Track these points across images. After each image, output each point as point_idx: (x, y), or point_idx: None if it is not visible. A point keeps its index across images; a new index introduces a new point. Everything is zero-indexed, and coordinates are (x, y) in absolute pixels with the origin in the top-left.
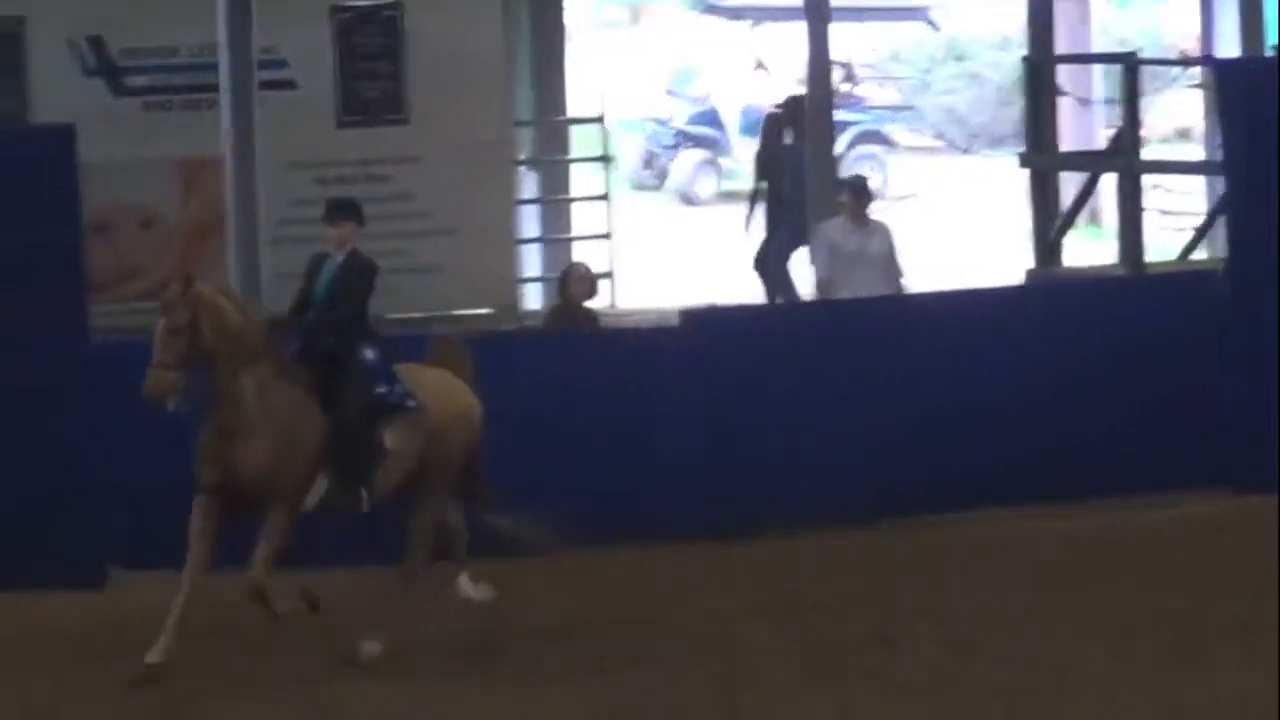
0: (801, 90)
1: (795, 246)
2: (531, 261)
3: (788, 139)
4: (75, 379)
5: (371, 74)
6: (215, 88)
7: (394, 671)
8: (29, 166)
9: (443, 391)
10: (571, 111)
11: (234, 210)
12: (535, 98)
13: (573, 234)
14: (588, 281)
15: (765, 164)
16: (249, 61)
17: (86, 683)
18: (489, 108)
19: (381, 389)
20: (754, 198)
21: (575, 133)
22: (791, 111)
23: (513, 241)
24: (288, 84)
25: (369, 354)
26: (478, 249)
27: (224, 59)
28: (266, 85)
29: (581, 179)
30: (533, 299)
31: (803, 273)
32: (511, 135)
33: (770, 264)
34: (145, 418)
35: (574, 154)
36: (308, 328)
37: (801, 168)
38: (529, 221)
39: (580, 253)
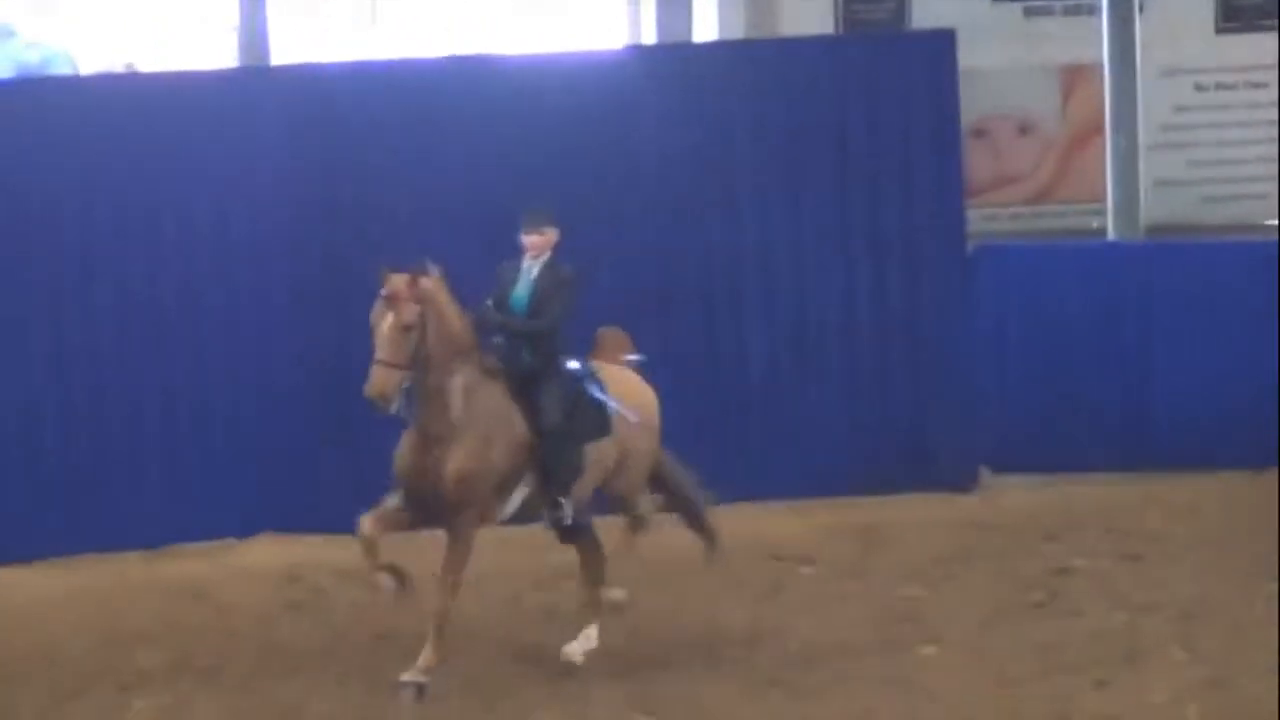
0: None
1: None
2: None
3: None
4: (953, 284)
5: None
6: None
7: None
8: (909, 72)
9: (630, 395)
10: None
11: (1112, 117)
12: None
13: None
14: None
15: None
16: None
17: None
18: None
19: (593, 401)
20: None
21: None
22: None
23: None
24: None
25: (573, 364)
26: None
27: None
28: None
29: None
30: None
31: None
32: None
33: None
34: (1017, 323)
35: None
36: (509, 337)
37: None
38: None
39: None
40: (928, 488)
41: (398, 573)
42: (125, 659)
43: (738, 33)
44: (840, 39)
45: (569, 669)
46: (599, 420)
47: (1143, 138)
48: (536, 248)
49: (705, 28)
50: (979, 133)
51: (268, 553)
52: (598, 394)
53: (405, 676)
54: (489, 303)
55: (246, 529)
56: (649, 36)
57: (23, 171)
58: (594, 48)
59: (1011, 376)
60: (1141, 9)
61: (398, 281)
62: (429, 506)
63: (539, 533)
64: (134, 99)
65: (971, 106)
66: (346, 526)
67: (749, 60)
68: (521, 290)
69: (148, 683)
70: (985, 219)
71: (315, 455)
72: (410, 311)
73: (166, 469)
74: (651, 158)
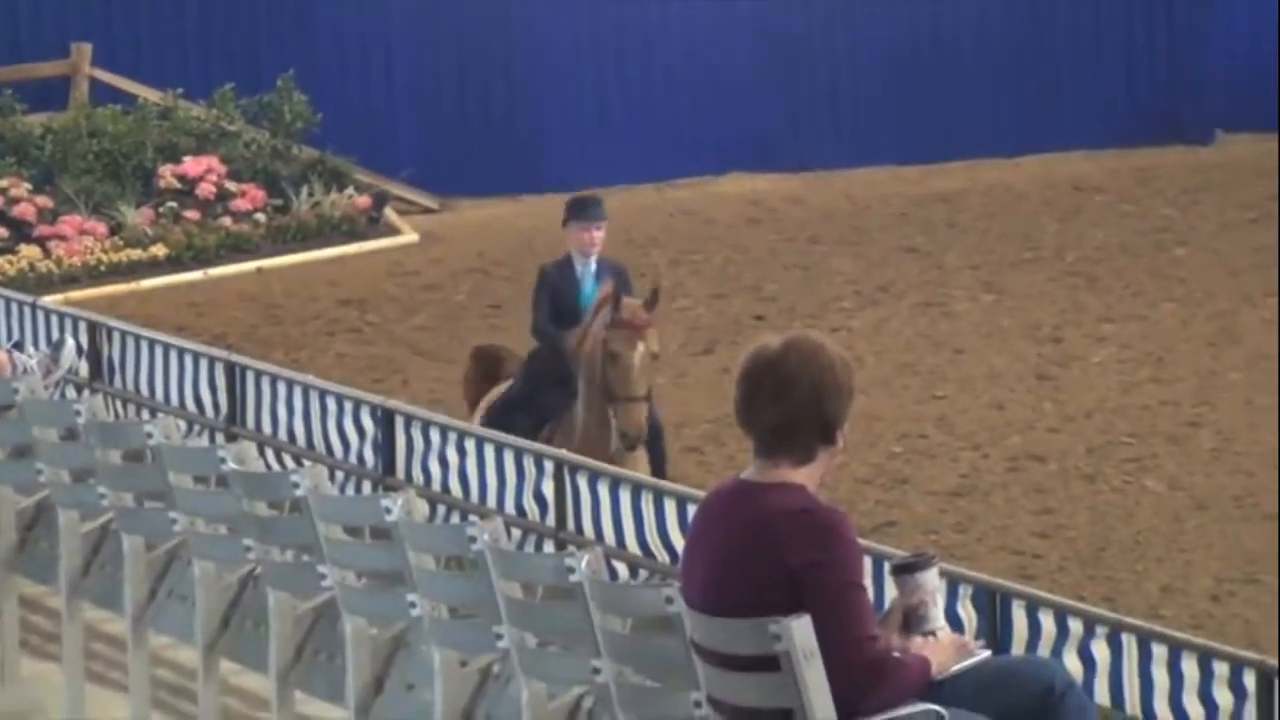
0: None
1: None
2: None
3: None
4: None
5: None
6: None
7: None
8: None
9: None
10: None
11: None
12: None
13: None
14: None
15: None
16: None
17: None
18: None
19: None
20: None
21: None
22: None
23: None
24: None
25: None
26: None
27: None
28: None
29: None
30: None
31: None
32: None
33: None
34: (1249, 30)
35: None
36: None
37: None
38: None
39: None
40: (1180, 142)
41: None
42: (641, 256)
43: None
44: None
45: None
46: None
47: None
48: (597, 243)
49: None
50: None
51: (735, 185)
52: None
53: None
54: (540, 320)
55: (722, 168)
56: None
57: None
58: None
59: (1241, 67)
60: None
61: (639, 308)
62: None
63: None
64: None
65: None
66: (790, 167)
67: None
68: (590, 293)
69: (655, 272)
70: None
71: (768, 118)
72: (654, 338)
73: (672, 129)
74: None
